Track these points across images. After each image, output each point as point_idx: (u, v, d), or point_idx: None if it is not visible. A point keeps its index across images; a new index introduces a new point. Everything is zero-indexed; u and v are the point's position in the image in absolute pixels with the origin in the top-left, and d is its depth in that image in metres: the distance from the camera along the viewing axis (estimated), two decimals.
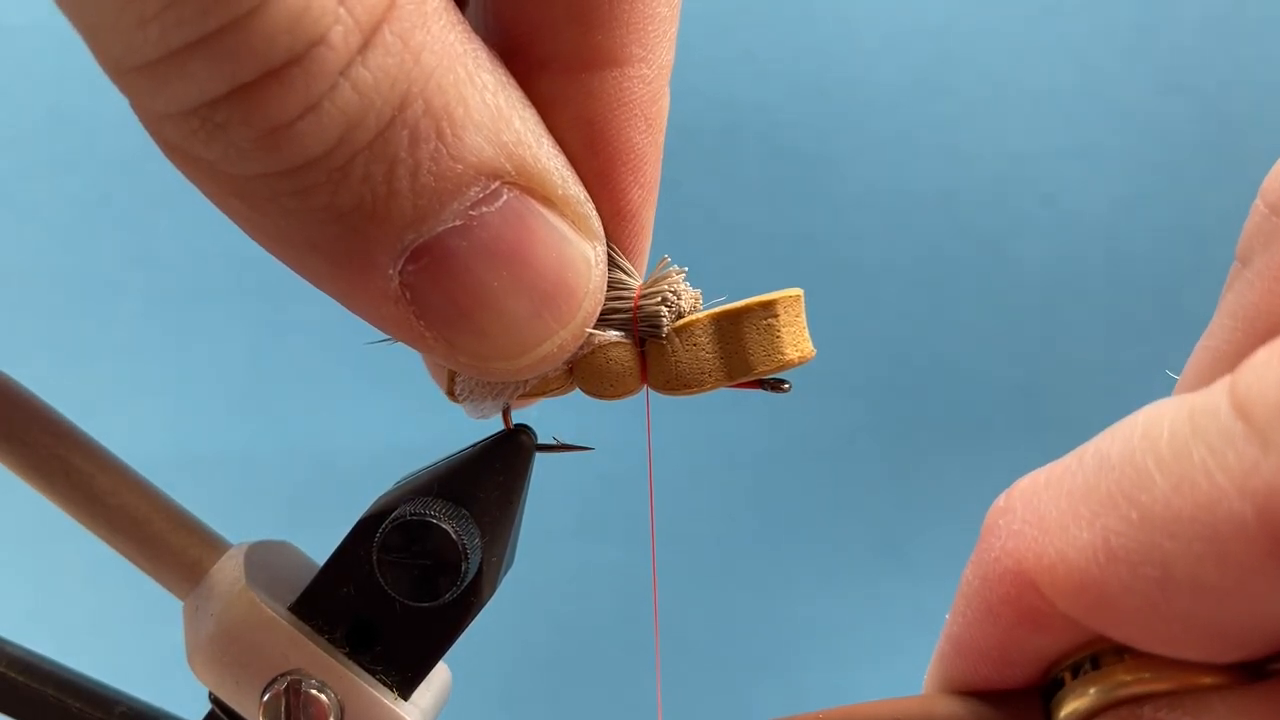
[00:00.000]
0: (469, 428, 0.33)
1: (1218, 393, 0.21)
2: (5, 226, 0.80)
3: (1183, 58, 0.82)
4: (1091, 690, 0.24)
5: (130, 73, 0.22)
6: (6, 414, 0.33)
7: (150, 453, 0.79)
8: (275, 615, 0.31)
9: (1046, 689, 0.25)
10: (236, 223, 0.25)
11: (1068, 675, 0.24)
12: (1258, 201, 0.23)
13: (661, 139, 0.30)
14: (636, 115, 0.29)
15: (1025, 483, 0.25)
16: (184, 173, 0.24)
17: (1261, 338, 0.23)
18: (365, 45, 0.22)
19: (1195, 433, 0.21)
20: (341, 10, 0.22)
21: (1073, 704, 0.24)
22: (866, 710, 0.27)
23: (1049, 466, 0.25)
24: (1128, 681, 0.23)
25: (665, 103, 0.30)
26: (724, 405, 0.82)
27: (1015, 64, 0.82)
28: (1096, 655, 0.24)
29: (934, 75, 0.82)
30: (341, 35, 0.22)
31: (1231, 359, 0.24)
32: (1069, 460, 0.24)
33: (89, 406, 0.79)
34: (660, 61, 0.29)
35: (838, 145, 0.82)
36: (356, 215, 0.24)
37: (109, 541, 0.34)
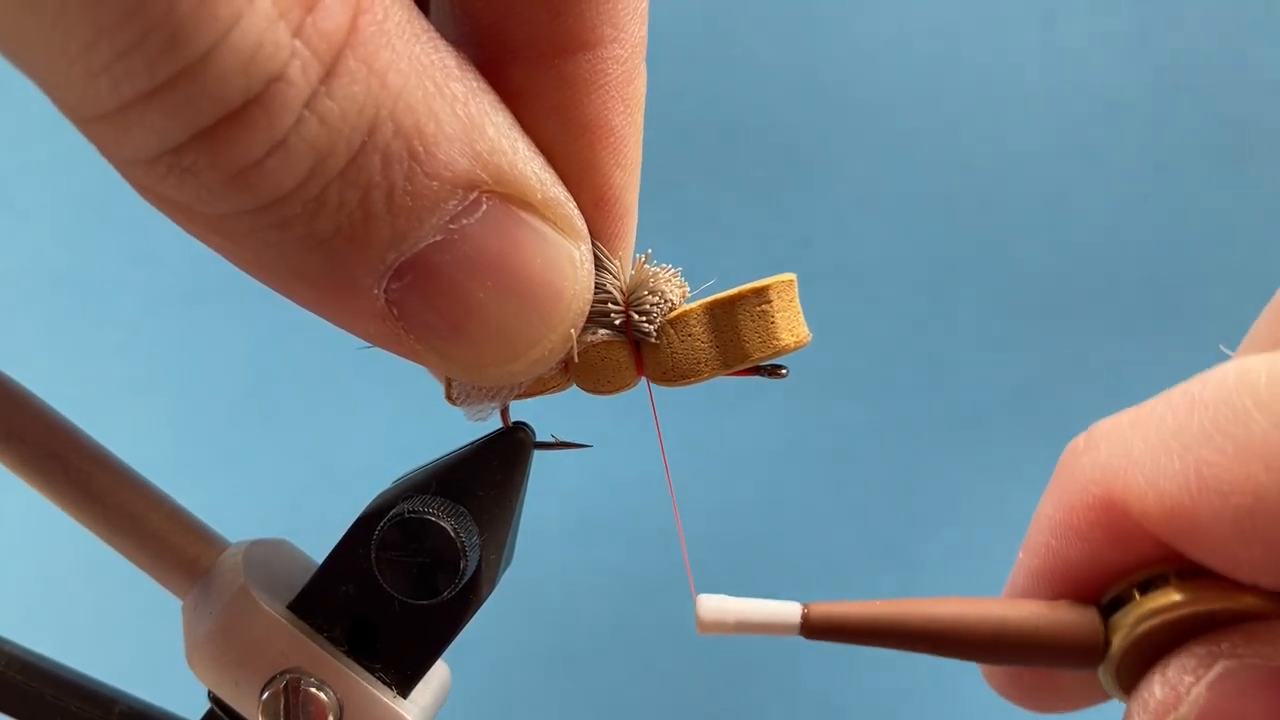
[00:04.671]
0: (468, 425, 0.33)
1: None
2: (5, 226, 0.80)
3: (1183, 58, 0.82)
4: (1173, 597, 0.26)
5: (89, 122, 0.22)
6: (6, 413, 0.33)
7: (150, 453, 0.80)
8: (274, 613, 0.31)
9: (1106, 605, 0.27)
10: (219, 254, 0.25)
11: (1136, 592, 0.26)
12: None
13: (640, 119, 0.30)
14: (613, 97, 0.28)
15: (1106, 424, 0.27)
16: (160, 211, 0.24)
17: None
18: (328, 75, 0.22)
19: None
20: (297, 44, 0.21)
21: (1149, 610, 0.26)
22: (943, 607, 0.28)
23: (1129, 410, 0.27)
24: (1199, 598, 0.25)
25: (642, 81, 0.30)
26: (724, 405, 0.82)
27: (1015, 64, 0.82)
28: (1166, 574, 0.26)
29: (934, 75, 0.82)
30: (300, 69, 0.21)
31: None
32: (1152, 404, 0.26)
33: (89, 406, 0.79)
34: (633, 39, 0.29)
35: (838, 145, 0.82)
36: (336, 241, 0.24)
37: (108, 540, 0.34)
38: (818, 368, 0.82)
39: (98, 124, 0.22)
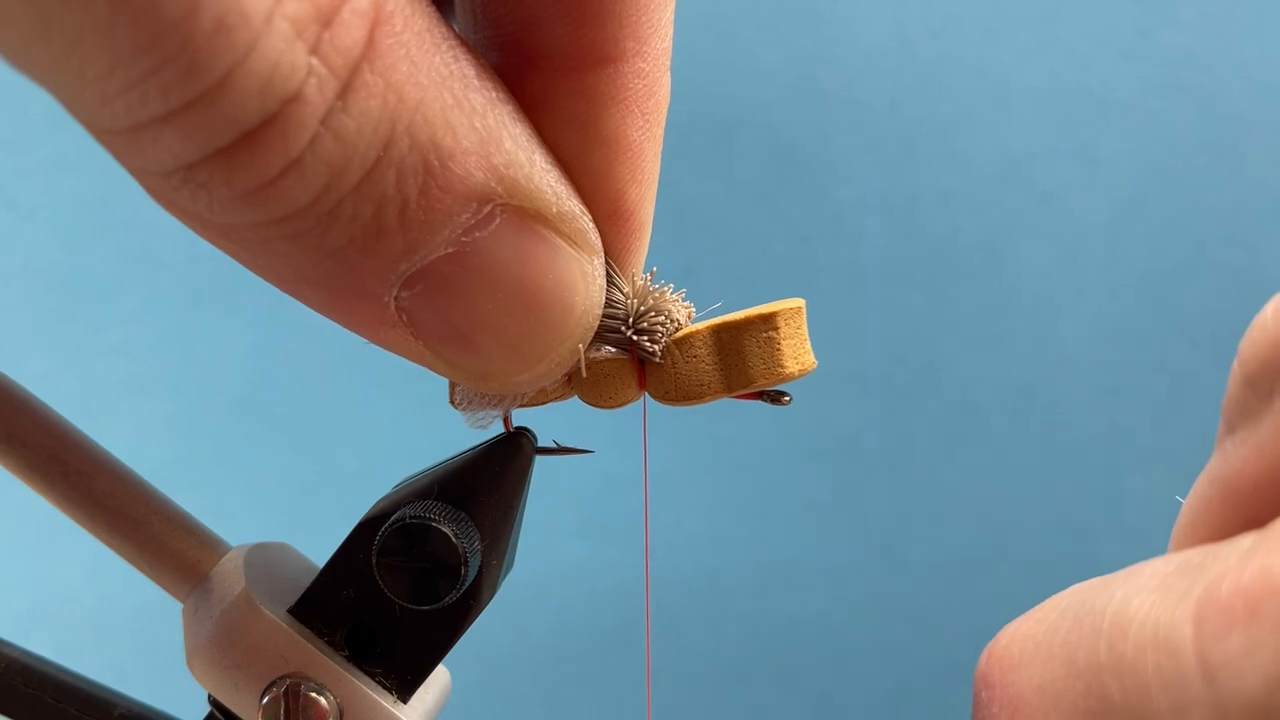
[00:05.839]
0: (469, 429, 0.33)
1: (1182, 622, 0.20)
2: (5, 226, 0.80)
3: (1183, 58, 0.82)
4: None
5: (104, 135, 0.22)
6: (5, 415, 0.33)
7: (150, 454, 0.80)
8: (274, 618, 0.31)
9: None
10: (230, 257, 0.25)
11: None
12: (1235, 367, 0.23)
13: (660, 132, 0.30)
14: (632, 111, 0.28)
15: (1002, 647, 0.25)
16: (172, 215, 0.24)
17: (1235, 517, 0.23)
18: (345, 91, 0.22)
19: (1156, 672, 0.20)
20: (314, 61, 0.21)
21: None
22: None
23: (1027, 627, 0.25)
24: None
25: (664, 93, 0.29)
26: (724, 405, 0.82)
27: (1015, 64, 0.82)
28: None
29: (934, 75, 0.82)
30: (316, 87, 0.21)
31: (1210, 529, 0.23)
32: (1043, 633, 0.24)
33: (89, 407, 0.79)
34: (655, 52, 0.28)
35: (838, 145, 0.82)
36: (348, 251, 0.24)
37: (108, 543, 0.34)
38: (818, 367, 0.82)
39: (111, 137, 0.22)
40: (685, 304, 0.31)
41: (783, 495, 0.83)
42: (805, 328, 0.31)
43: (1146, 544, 0.79)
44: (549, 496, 0.76)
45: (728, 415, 0.82)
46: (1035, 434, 0.83)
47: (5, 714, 0.34)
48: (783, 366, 0.30)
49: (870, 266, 0.82)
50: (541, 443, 0.34)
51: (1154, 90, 0.82)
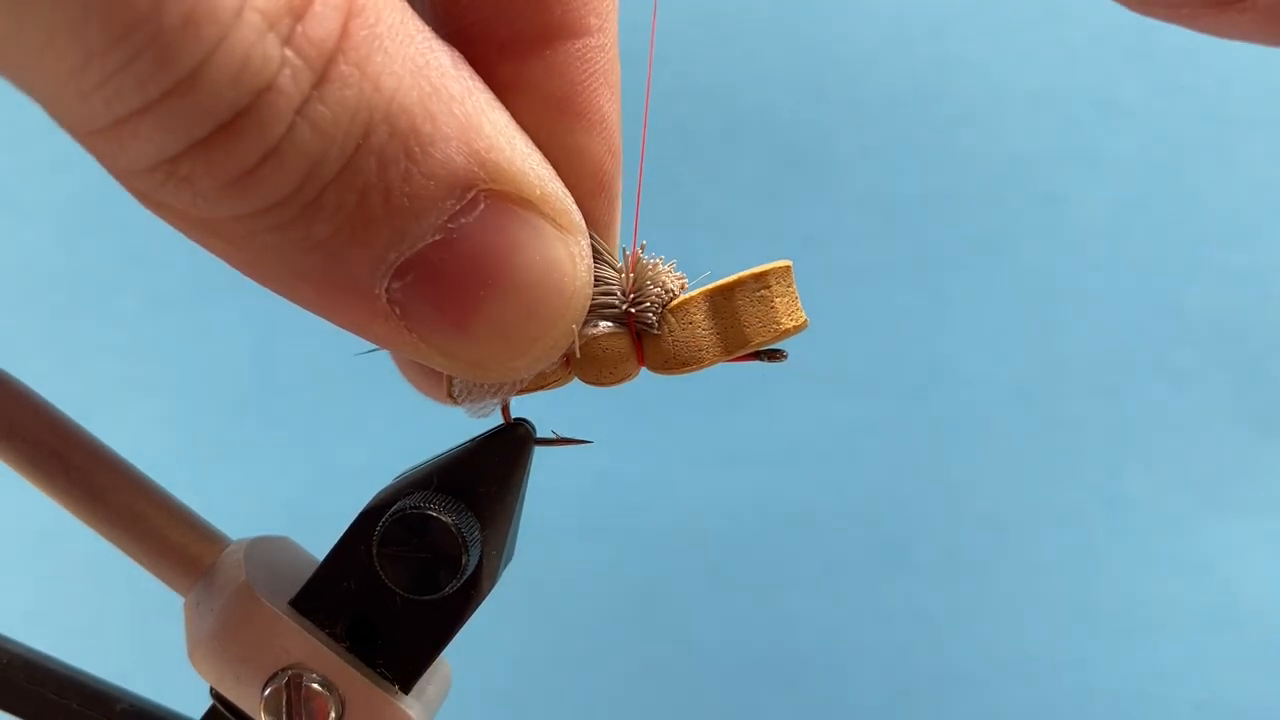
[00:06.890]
0: (467, 423, 0.33)
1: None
2: (5, 226, 0.80)
3: (1183, 58, 0.82)
4: None
5: (85, 136, 0.22)
6: (7, 411, 0.33)
7: (151, 452, 0.79)
8: (276, 610, 0.31)
9: None
10: (220, 258, 0.25)
11: None
12: None
13: (620, 106, 0.30)
14: (602, 84, 0.29)
15: None
16: (159, 217, 0.24)
17: None
18: (320, 81, 0.22)
19: None
20: (288, 52, 0.22)
21: None
22: None
23: None
24: None
25: (619, 71, 0.30)
26: (723, 404, 0.82)
27: (1015, 64, 0.82)
28: None
29: (934, 75, 0.82)
30: (290, 78, 0.22)
31: None
32: None
33: (90, 406, 0.79)
34: (613, 29, 0.29)
35: (838, 145, 0.82)
36: (335, 242, 0.24)
37: (110, 538, 0.34)
38: (818, 367, 0.82)
39: (93, 137, 0.22)
40: (678, 274, 0.31)
41: (782, 494, 0.83)
42: (795, 287, 0.31)
43: (1147, 544, 0.79)
44: (548, 491, 0.76)
45: (728, 414, 0.82)
46: (1035, 434, 0.83)
47: (8, 710, 0.34)
48: (778, 323, 0.31)
49: (870, 266, 0.82)
50: (540, 434, 0.34)
51: (1154, 90, 0.82)
